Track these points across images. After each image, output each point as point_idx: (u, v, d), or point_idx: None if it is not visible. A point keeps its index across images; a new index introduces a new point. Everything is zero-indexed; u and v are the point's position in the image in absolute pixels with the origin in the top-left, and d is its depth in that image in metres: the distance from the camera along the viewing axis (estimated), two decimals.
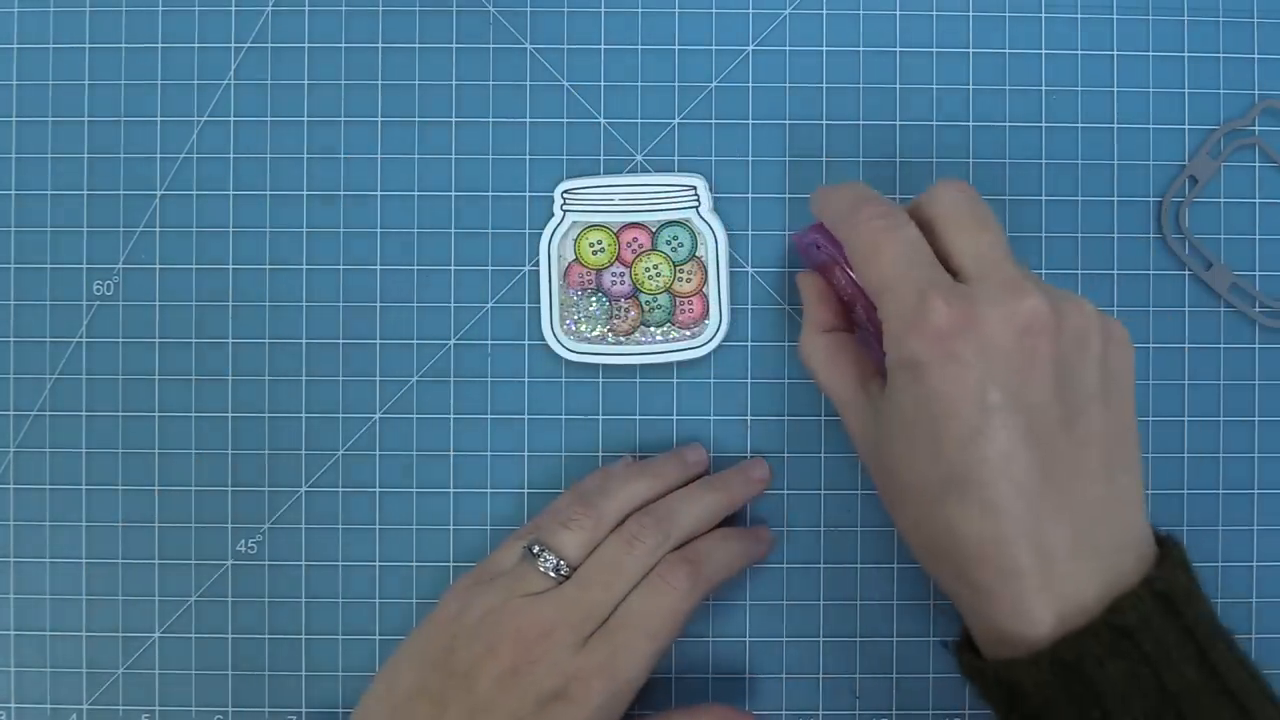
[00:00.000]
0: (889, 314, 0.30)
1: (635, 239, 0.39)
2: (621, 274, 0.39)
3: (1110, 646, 0.28)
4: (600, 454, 0.39)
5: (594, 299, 0.38)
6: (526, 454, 0.39)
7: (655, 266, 0.39)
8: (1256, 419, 0.39)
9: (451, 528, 0.39)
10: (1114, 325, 0.31)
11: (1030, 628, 0.29)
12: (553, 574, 0.34)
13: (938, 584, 0.32)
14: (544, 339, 0.38)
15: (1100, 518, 0.29)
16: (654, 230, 0.39)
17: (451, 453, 0.39)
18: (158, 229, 0.39)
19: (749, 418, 0.39)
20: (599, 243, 0.39)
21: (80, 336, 0.39)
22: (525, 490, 0.39)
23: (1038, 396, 0.29)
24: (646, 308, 0.39)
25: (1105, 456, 0.30)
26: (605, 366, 0.39)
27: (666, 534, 0.34)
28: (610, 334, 0.39)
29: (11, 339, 0.39)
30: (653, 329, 0.39)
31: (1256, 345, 0.39)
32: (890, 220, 0.31)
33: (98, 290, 0.39)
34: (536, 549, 0.34)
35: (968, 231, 0.31)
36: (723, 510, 0.36)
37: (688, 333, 0.38)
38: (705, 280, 0.38)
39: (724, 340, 0.38)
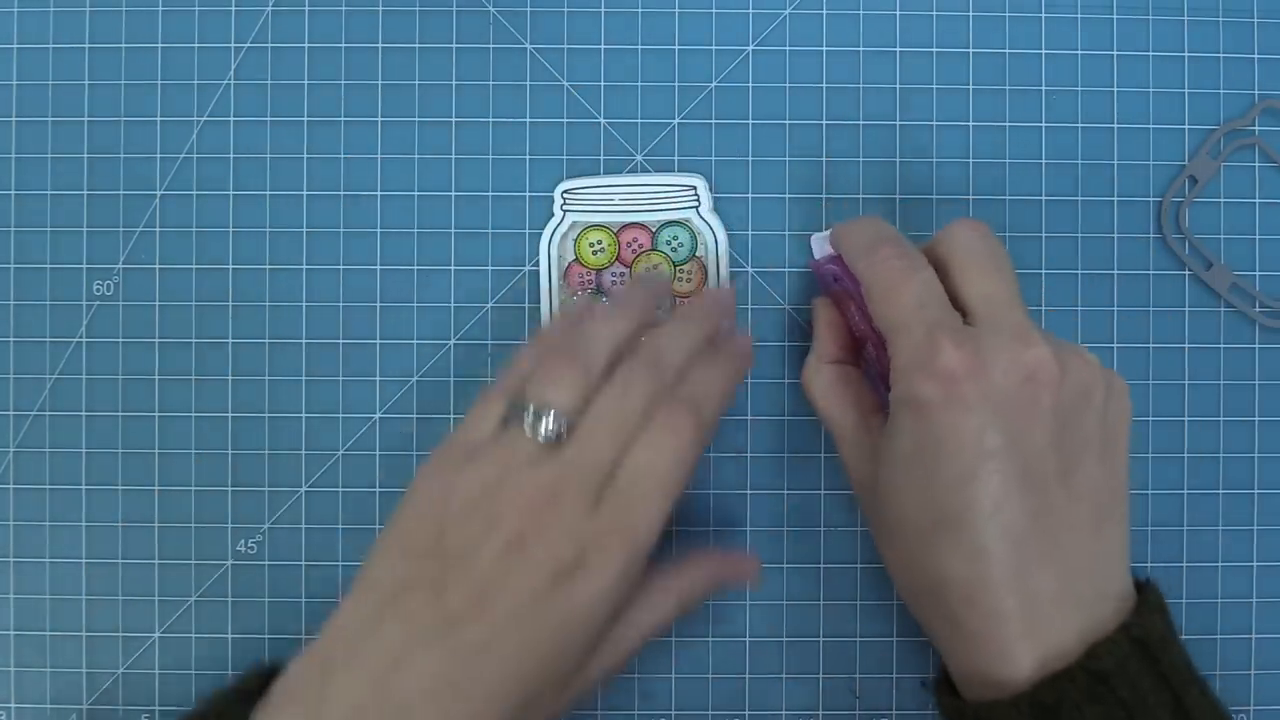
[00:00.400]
0: (898, 351, 0.30)
1: (635, 239, 0.39)
2: (622, 274, 0.39)
3: (1088, 691, 0.28)
4: None
5: (594, 299, 0.38)
6: None
7: (655, 267, 0.39)
8: (1256, 419, 0.39)
9: None
10: (1115, 379, 0.31)
11: (1011, 670, 0.29)
12: (549, 435, 0.30)
13: (920, 622, 0.33)
14: None
15: (1085, 569, 0.30)
16: (654, 230, 0.39)
17: None
18: (158, 229, 0.39)
19: (749, 418, 0.39)
20: (599, 243, 0.39)
21: (80, 336, 0.39)
22: None
23: (1036, 445, 0.29)
24: None
25: (1096, 509, 0.30)
26: None
27: (661, 377, 0.31)
28: None
29: (11, 339, 0.39)
30: None
31: (1256, 345, 0.39)
32: (908, 262, 0.31)
33: (98, 290, 0.39)
34: (528, 411, 0.30)
35: (980, 274, 0.31)
36: (705, 340, 0.33)
37: None
38: (705, 280, 0.38)
39: None
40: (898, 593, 0.33)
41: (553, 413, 0.30)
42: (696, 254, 0.39)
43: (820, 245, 0.37)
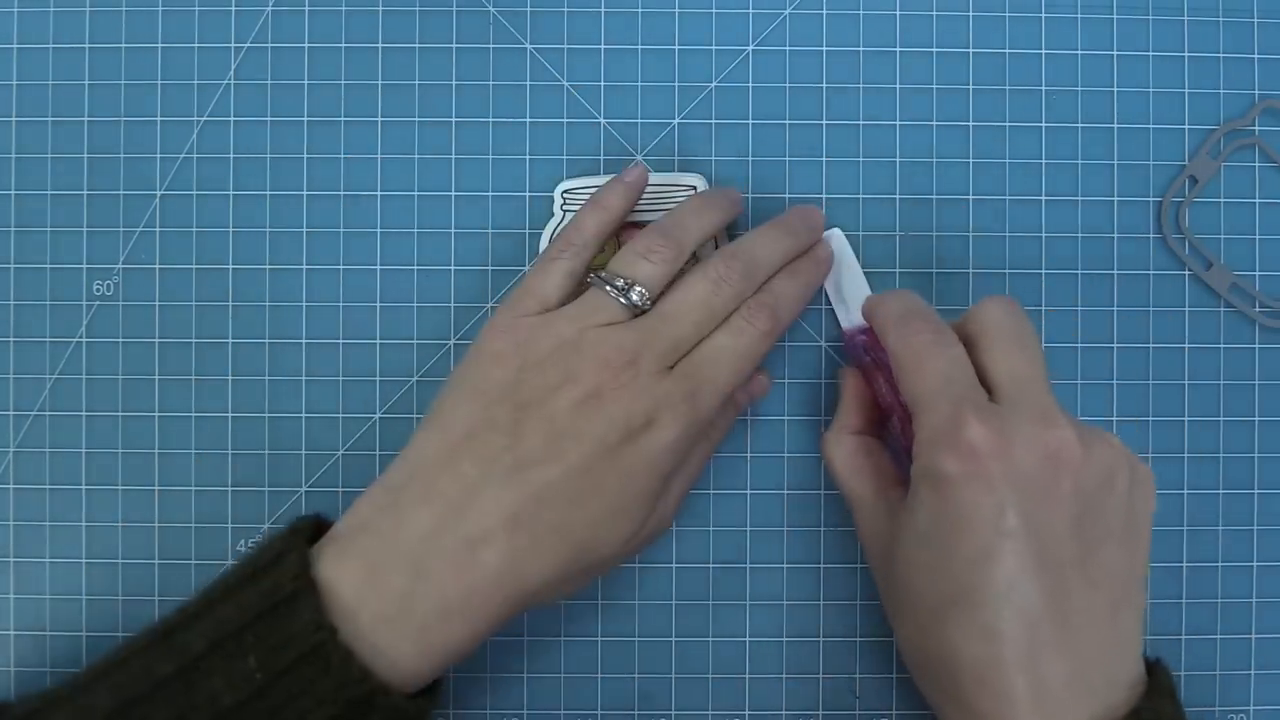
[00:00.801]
0: (923, 425, 0.30)
1: None
2: None
3: None
4: None
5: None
6: None
7: None
8: (1256, 419, 0.39)
9: None
10: (1140, 466, 0.31)
11: None
12: (635, 303, 0.33)
13: (929, 701, 0.32)
14: None
15: (1099, 656, 0.29)
16: None
17: None
18: (158, 229, 0.39)
19: (749, 418, 0.39)
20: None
21: (80, 336, 0.39)
22: None
23: (1055, 528, 0.29)
24: None
25: (1113, 597, 0.30)
26: None
27: (752, 279, 0.34)
28: None
29: (11, 339, 0.39)
30: None
31: (1256, 345, 0.39)
32: (938, 337, 0.32)
33: (98, 290, 0.39)
34: (618, 280, 0.33)
35: (1008, 352, 0.32)
36: (793, 256, 0.36)
37: None
38: None
39: None
40: (906, 668, 0.33)
41: (639, 286, 0.33)
42: (695, 255, 0.38)
43: (843, 312, 0.37)
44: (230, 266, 0.39)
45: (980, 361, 0.32)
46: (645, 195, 0.38)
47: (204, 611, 0.29)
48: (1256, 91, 0.39)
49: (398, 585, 0.30)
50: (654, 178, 0.38)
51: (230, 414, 0.39)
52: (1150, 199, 0.39)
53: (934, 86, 0.39)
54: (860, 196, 0.39)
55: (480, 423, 0.31)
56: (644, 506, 0.32)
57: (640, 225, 0.38)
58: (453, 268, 0.39)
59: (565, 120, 0.39)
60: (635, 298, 0.33)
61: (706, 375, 0.32)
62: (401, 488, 0.31)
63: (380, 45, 0.39)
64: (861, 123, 0.39)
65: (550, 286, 0.34)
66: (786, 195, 0.39)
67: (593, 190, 0.38)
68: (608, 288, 0.33)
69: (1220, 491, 0.39)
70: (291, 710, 0.28)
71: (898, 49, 0.39)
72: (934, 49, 0.39)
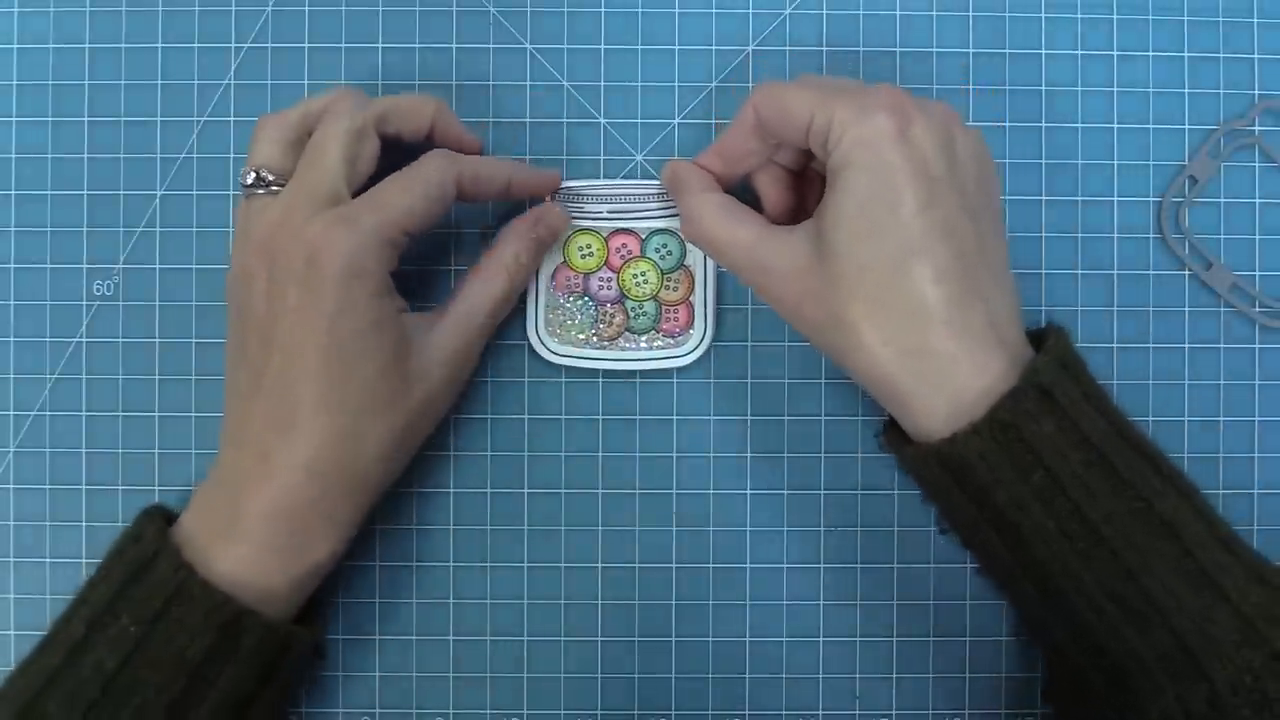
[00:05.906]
0: (835, 114, 0.32)
1: (624, 245, 0.39)
2: (609, 279, 0.39)
3: (1038, 405, 0.30)
4: (600, 454, 0.39)
5: (580, 303, 0.38)
6: (527, 454, 0.39)
7: (643, 273, 0.38)
8: (1256, 419, 0.39)
9: (452, 528, 0.39)
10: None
11: (990, 382, 0.30)
12: (265, 186, 0.34)
13: (878, 381, 0.32)
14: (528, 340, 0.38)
15: (1014, 297, 0.33)
16: (643, 237, 0.39)
17: (452, 453, 0.39)
18: (158, 229, 0.39)
19: (749, 418, 0.39)
20: (588, 247, 0.39)
21: (80, 336, 0.39)
22: (525, 490, 0.39)
23: (966, 180, 0.32)
24: (632, 314, 0.39)
25: (1005, 252, 0.33)
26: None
27: (360, 97, 0.35)
28: (595, 338, 0.38)
29: (11, 339, 0.39)
30: (638, 335, 0.38)
31: (1256, 345, 0.39)
32: (772, 84, 0.34)
33: (98, 290, 0.39)
34: (249, 178, 0.34)
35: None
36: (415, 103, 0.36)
37: (672, 340, 0.38)
38: (692, 289, 0.38)
39: (709, 348, 0.38)
40: (853, 366, 0.32)
41: (260, 170, 0.34)
42: (685, 263, 0.38)
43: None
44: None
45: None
46: (643, 197, 0.38)
47: (81, 600, 0.32)
48: (1256, 91, 0.39)
49: (221, 507, 0.32)
50: (648, 186, 0.38)
51: None
52: (1150, 199, 0.39)
53: (934, 86, 0.39)
54: None
55: (231, 356, 0.34)
56: (376, 347, 0.32)
57: (629, 230, 0.38)
58: (453, 268, 0.39)
59: (565, 120, 0.39)
60: (262, 180, 0.34)
61: (367, 197, 0.33)
62: (221, 445, 0.34)
63: (380, 45, 0.39)
64: None
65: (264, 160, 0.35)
66: None
67: (591, 190, 0.38)
68: (245, 182, 0.34)
69: (1220, 491, 0.39)
70: (170, 651, 0.30)
71: (897, 49, 0.39)
72: (934, 49, 0.39)
